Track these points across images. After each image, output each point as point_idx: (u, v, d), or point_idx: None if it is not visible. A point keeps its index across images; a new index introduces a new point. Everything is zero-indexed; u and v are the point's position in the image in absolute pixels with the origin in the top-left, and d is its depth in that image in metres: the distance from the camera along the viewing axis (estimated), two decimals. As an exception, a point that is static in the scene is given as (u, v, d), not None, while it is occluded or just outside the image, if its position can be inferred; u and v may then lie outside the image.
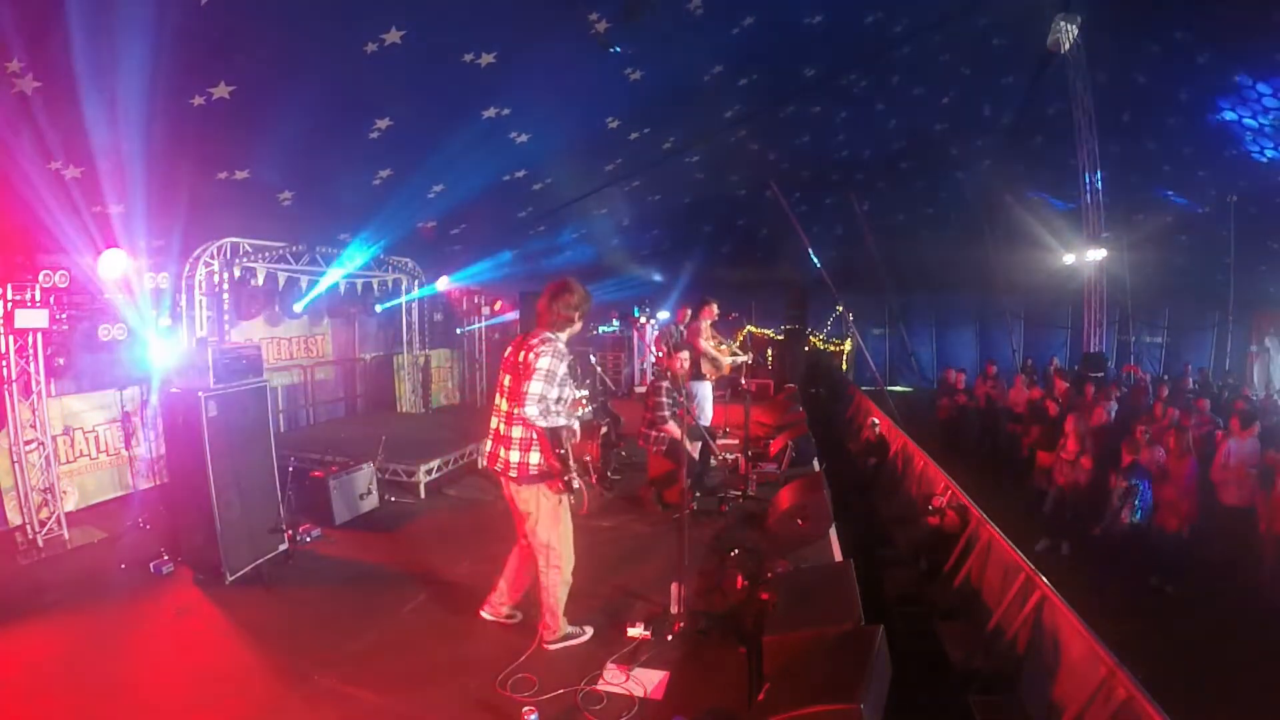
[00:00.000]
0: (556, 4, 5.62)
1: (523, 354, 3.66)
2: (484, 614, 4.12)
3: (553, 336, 3.72)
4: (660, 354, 6.25)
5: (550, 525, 3.76)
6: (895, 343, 17.92)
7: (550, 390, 3.58)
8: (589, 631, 3.98)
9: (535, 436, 3.66)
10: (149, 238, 6.79)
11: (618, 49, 6.22)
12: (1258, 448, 7.14)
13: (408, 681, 3.61)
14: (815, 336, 16.90)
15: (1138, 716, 3.28)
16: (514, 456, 3.70)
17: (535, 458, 3.68)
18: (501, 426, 3.76)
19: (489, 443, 3.87)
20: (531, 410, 3.53)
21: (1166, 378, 13.63)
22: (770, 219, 14.45)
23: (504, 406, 3.76)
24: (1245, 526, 6.94)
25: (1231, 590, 6.59)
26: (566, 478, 3.64)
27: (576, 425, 3.80)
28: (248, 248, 7.78)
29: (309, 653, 3.86)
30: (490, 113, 6.93)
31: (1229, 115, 9.97)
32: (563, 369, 3.66)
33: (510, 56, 6.00)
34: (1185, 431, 7.28)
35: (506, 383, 3.76)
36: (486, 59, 5.93)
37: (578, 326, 3.85)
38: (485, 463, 3.96)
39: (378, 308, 10.28)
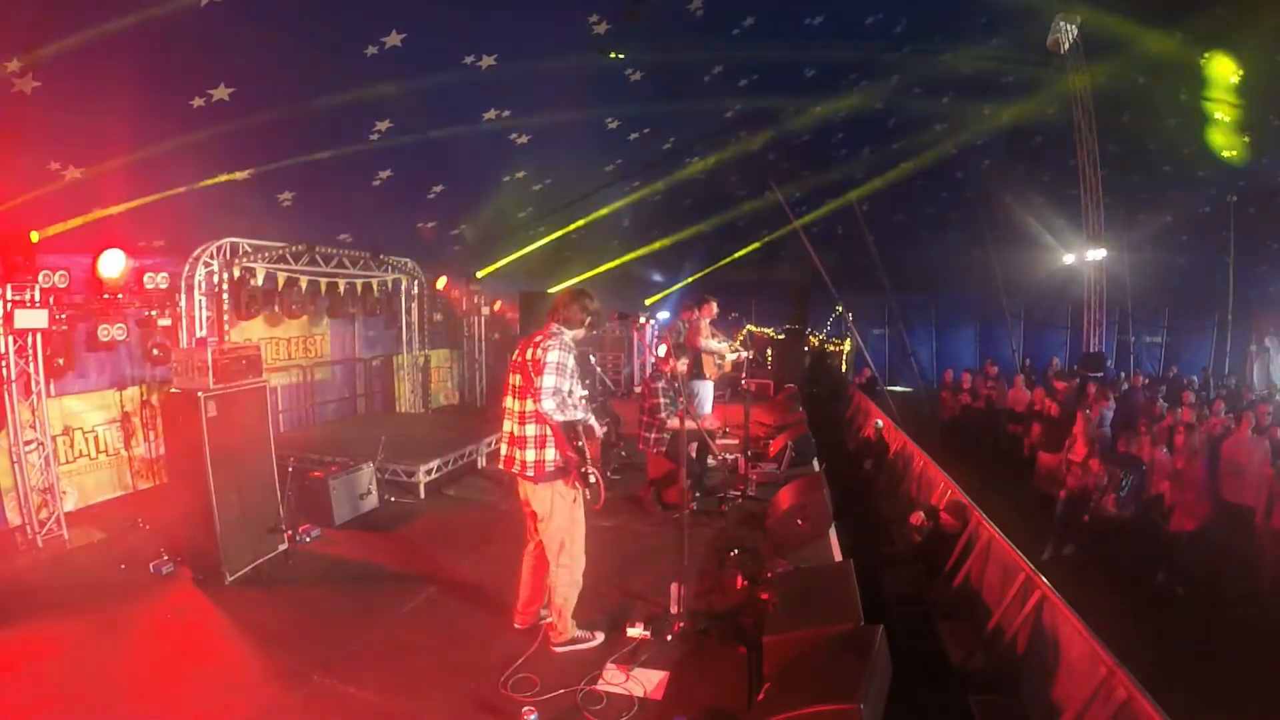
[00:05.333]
0: (557, 7, 5.62)
1: (531, 351, 3.67)
2: (517, 624, 4.05)
3: (558, 331, 3.75)
4: (660, 355, 6.24)
5: (565, 524, 3.74)
6: (895, 343, 17.91)
7: (563, 383, 3.59)
8: (599, 637, 3.93)
9: (550, 433, 3.65)
10: (149, 238, 6.80)
11: (621, 56, 6.22)
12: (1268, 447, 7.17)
13: (408, 681, 3.61)
14: (815, 336, 16.90)
15: (1137, 716, 3.28)
16: (530, 456, 3.68)
17: (551, 454, 3.66)
18: (515, 428, 3.73)
19: (503, 446, 3.84)
20: (549, 404, 3.53)
21: (1174, 372, 13.63)
22: (770, 219, 14.45)
23: (515, 407, 3.74)
24: (1253, 525, 6.94)
25: (1236, 590, 6.58)
26: (583, 470, 3.63)
27: (594, 421, 3.81)
28: (247, 248, 7.77)
29: (309, 653, 3.86)
30: (491, 114, 6.93)
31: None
32: (571, 362, 3.67)
33: (511, 59, 6.00)
34: (1194, 432, 7.28)
35: (516, 383, 3.76)
36: (487, 61, 5.93)
37: (582, 333, 3.88)
38: (502, 465, 3.95)
39: (377, 309, 10.28)
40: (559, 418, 3.57)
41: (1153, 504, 7.38)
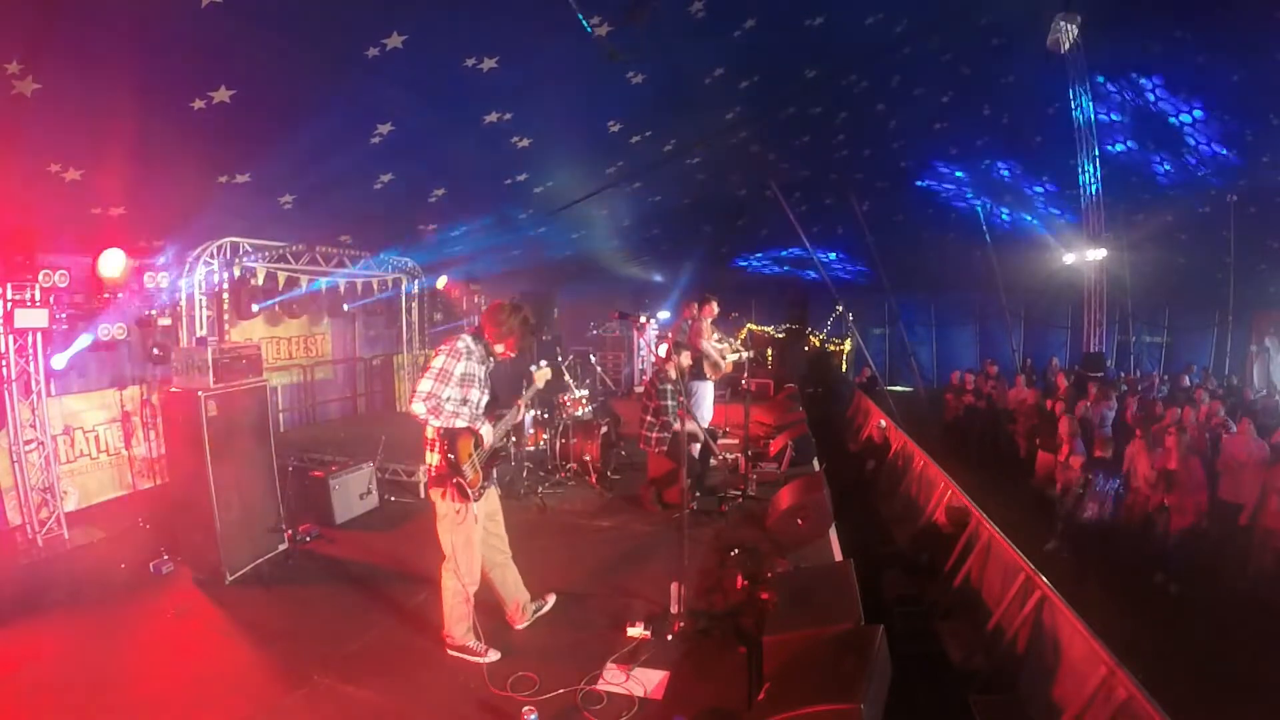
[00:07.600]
0: (558, 8, 5.60)
1: None
2: (517, 627, 4.08)
3: (463, 338, 3.69)
4: (661, 354, 6.26)
5: (448, 530, 3.67)
6: (895, 343, 17.92)
7: (442, 388, 3.54)
8: (493, 655, 3.77)
9: (437, 438, 3.61)
10: (149, 238, 6.80)
11: (625, 58, 6.20)
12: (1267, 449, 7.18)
13: (408, 681, 3.62)
14: (815, 336, 16.91)
15: (1137, 716, 3.28)
16: (428, 458, 3.68)
17: (435, 459, 3.65)
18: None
19: None
20: (417, 407, 3.51)
21: (1192, 370, 13.60)
22: (770, 219, 14.45)
23: None
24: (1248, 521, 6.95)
25: (1234, 588, 6.59)
26: (455, 480, 3.57)
27: (487, 432, 3.73)
28: (248, 247, 7.77)
29: (309, 653, 3.87)
30: (492, 117, 6.92)
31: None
32: (461, 369, 3.61)
33: (512, 62, 5.98)
34: (1185, 434, 7.28)
35: None
36: (488, 64, 5.92)
37: (498, 345, 3.77)
38: None
39: (377, 308, 10.30)
40: (434, 421, 3.53)
41: (1141, 506, 7.38)
